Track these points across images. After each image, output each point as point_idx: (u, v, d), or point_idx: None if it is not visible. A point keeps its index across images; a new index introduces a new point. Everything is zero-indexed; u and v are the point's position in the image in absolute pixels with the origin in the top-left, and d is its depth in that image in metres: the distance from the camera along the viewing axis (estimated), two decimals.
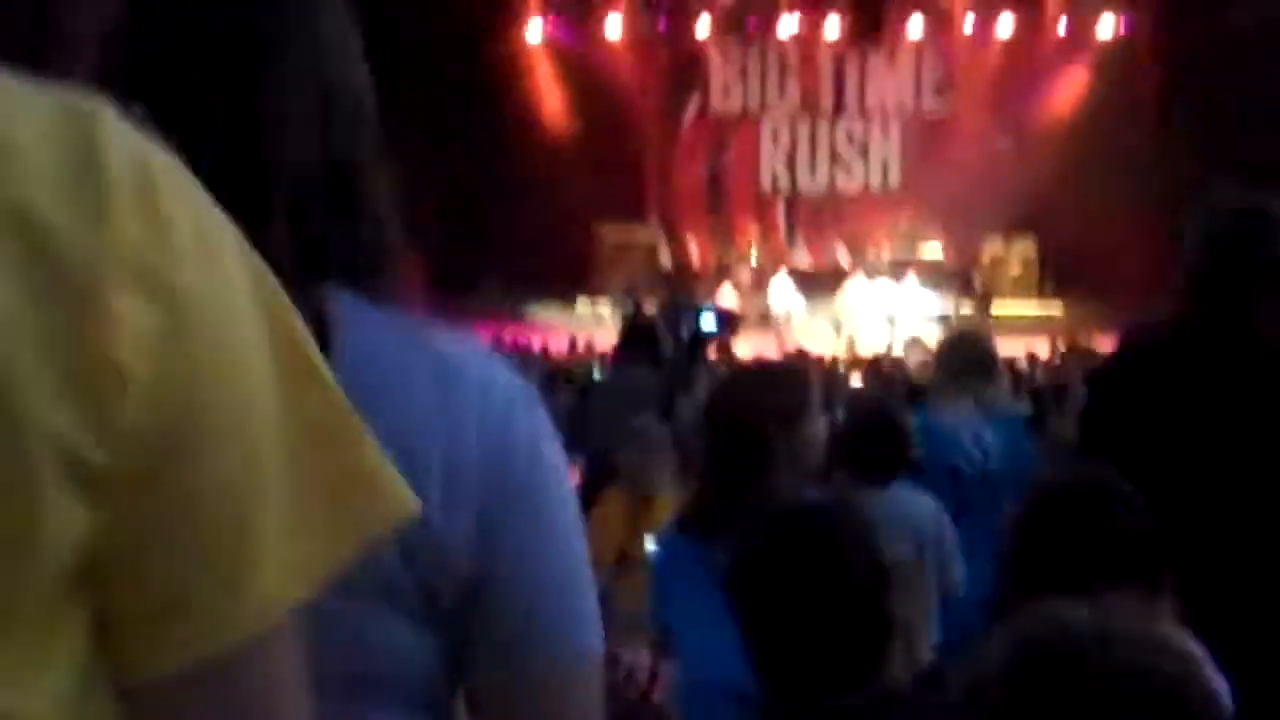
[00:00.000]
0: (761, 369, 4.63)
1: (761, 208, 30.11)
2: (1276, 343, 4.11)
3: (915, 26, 28.31)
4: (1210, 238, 4.24)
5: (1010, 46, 28.81)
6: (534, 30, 28.08)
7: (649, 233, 29.10)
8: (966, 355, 6.67)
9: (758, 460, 4.16)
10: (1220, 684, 1.71)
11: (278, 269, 1.41)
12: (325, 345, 1.49)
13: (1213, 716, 1.68)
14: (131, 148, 1.00)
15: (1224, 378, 4.10)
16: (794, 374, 4.91)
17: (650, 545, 6.43)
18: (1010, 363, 15.27)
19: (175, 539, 1.00)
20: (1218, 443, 4.02)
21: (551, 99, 28.61)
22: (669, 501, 6.37)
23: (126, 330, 0.95)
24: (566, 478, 1.70)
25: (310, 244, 1.54)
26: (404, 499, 1.15)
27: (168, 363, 0.97)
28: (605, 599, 2.19)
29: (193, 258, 0.99)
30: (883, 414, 5.75)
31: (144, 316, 0.96)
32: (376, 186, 1.64)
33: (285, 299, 1.09)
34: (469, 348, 1.67)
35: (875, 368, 17.20)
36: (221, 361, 1.01)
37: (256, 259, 1.08)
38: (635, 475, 7.12)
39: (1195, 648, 1.75)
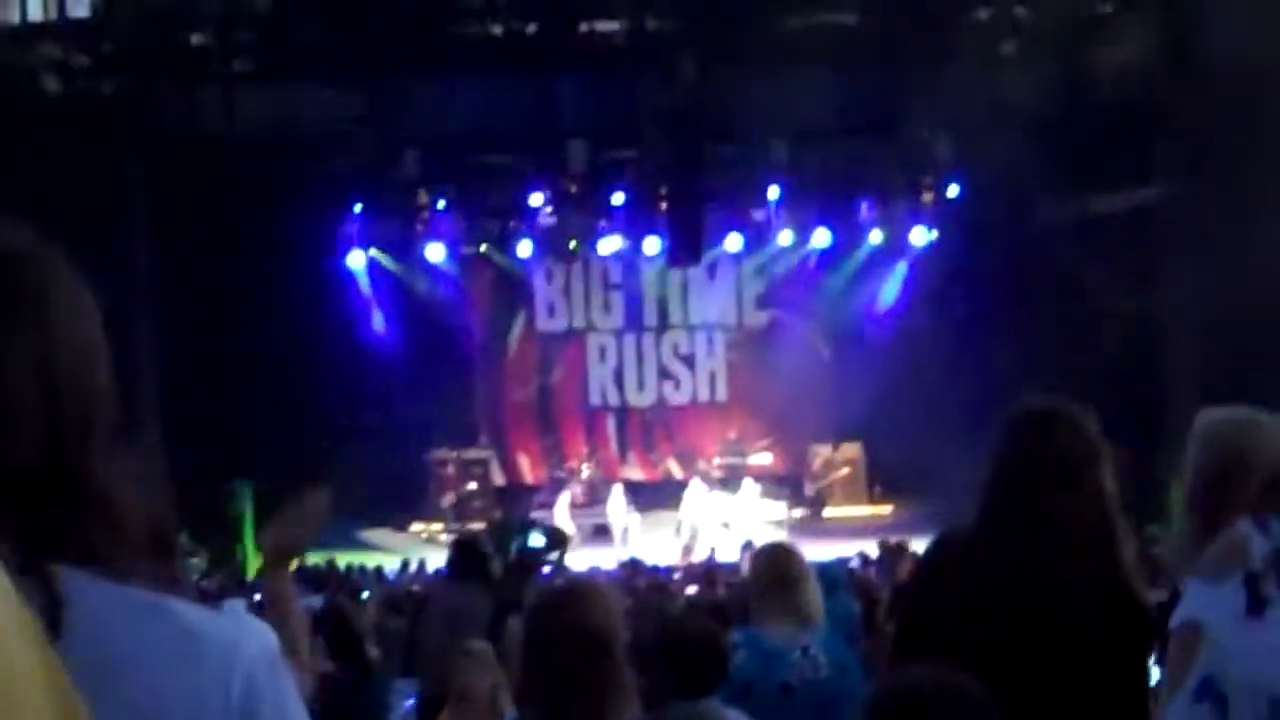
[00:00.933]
0: (570, 595, 4.52)
1: (592, 423, 30.29)
2: (1066, 535, 4.26)
3: (734, 242, 28.80)
4: (1005, 438, 4.42)
5: (828, 257, 29.39)
6: (355, 258, 28.19)
7: (480, 453, 29.09)
8: (779, 571, 6.71)
9: (587, 683, 4.10)
10: None
11: (3, 556, 1.45)
12: (56, 628, 1.50)
13: None
14: None
15: (1014, 571, 4.25)
16: (604, 597, 4.89)
17: None
18: (844, 563, 15.50)
19: None
20: (1010, 637, 4.14)
21: (377, 324, 28.65)
22: None
23: None
24: None
25: (39, 531, 1.55)
26: None
27: None
28: None
29: None
30: (702, 629, 5.73)
31: None
32: (108, 468, 1.64)
33: (70, 693, 1.09)
34: (211, 613, 1.68)
35: (709, 578, 17.24)
36: None
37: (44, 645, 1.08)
38: (468, 696, 7.11)
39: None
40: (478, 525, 17.10)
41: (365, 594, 17.19)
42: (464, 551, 10.83)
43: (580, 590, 4.44)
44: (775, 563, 6.78)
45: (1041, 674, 4.12)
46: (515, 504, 25.49)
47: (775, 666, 6.19)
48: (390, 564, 22.38)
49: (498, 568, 10.98)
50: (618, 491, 26.63)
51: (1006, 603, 4.21)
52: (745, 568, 14.12)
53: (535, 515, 22.94)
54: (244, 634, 1.66)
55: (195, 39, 27.19)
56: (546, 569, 12.60)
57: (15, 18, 25.96)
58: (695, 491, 26.20)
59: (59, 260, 1.64)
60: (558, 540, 13.50)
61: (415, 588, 17.57)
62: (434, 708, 8.08)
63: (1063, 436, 4.33)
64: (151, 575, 1.67)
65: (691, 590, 16.24)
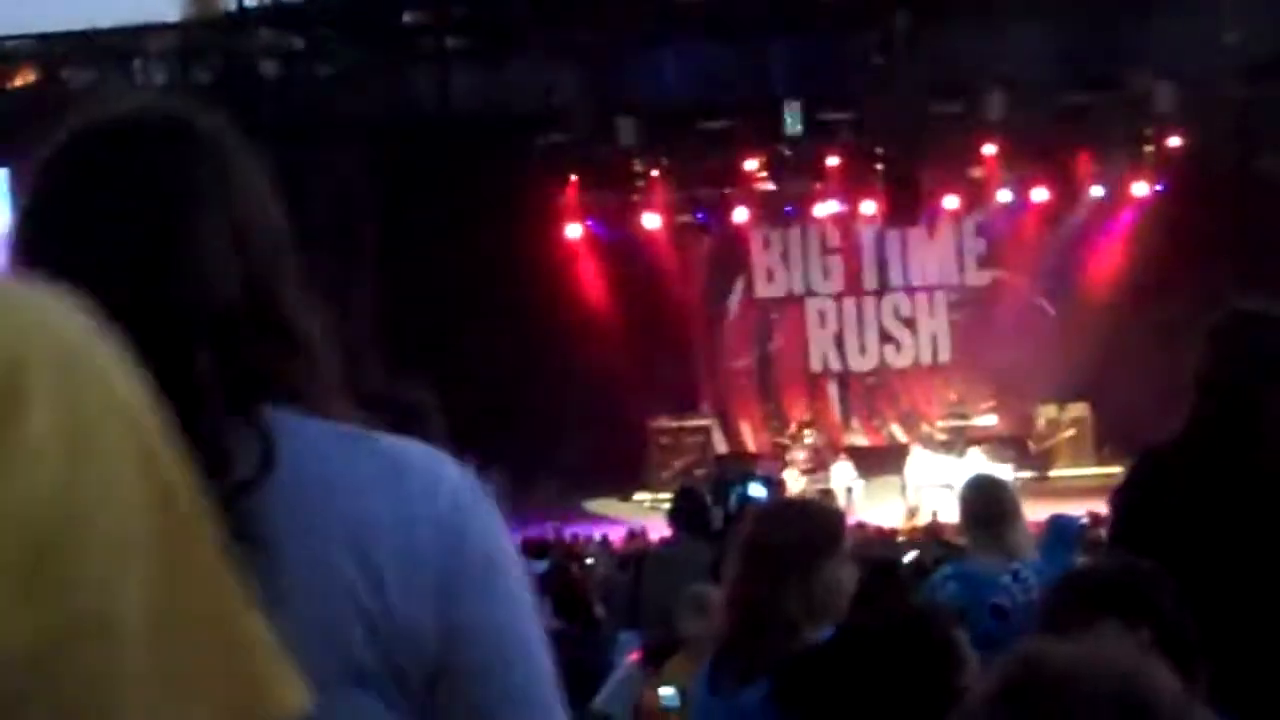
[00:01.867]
0: (791, 505, 4.61)
1: (813, 389, 30.20)
2: (1275, 431, 4.17)
3: (951, 200, 28.52)
4: (1214, 342, 4.34)
5: (1048, 213, 28.97)
6: (574, 230, 28.43)
7: (702, 421, 29.16)
8: (985, 504, 6.70)
9: (776, 596, 4.13)
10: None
11: (205, 402, 1.52)
12: (270, 460, 1.60)
13: None
14: (24, 341, 0.99)
15: (1228, 483, 4.16)
16: (826, 512, 4.92)
17: (664, 691, 6.46)
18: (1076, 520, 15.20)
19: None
20: (1224, 546, 4.06)
21: (597, 295, 28.84)
22: None
23: None
24: (517, 560, 1.80)
25: (245, 373, 1.64)
26: (289, 695, 1.10)
27: (30, 551, 0.96)
28: None
29: (47, 460, 0.98)
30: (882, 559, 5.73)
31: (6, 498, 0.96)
32: (301, 312, 1.74)
33: (188, 497, 1.08)
34: (413, 445, 1.77)
35: (931, 530, 17.12)
36: (58, 569, 0.98)
37: (164, 457, 1.06)
38: (698, 643, 7.13)
39: (1166, 681, 1.78)
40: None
41: (589, 561, 17.37)
42: (685, 502, 10.87)
43: (797, 502, 4.50)
44: (981, 496, 6.77)
45: (1252, 569, 4.04)
46: (738, 468, 25.42)
47: (985, 590, 6.15)
48: (615, 532, 22.55)
49: (718, 518, 11.01)
50: (842, 463, 26.49)
51: (1216, 501, 4.13)
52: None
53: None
54: (445, 462, 1.76)
55: (407, 18, 27.62)
56: None
57: (232, 3, 26.65)
58: (918, 456, 26.05)
59: (233, 128, 1.78)
60: (779, 489, 13.49)
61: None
62: (658, 656, 8.12)
63: (1270, 335, 4.24)
64: (349, 414, 1.76)
65: (914, 554, 16.13)
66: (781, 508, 4.56)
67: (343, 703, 1.59)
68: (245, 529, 1.41)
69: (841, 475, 25.99)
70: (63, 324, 1.04)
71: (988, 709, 1.80)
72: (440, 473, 1.73)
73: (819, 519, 4.54)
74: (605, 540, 21.19)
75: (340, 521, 1.65)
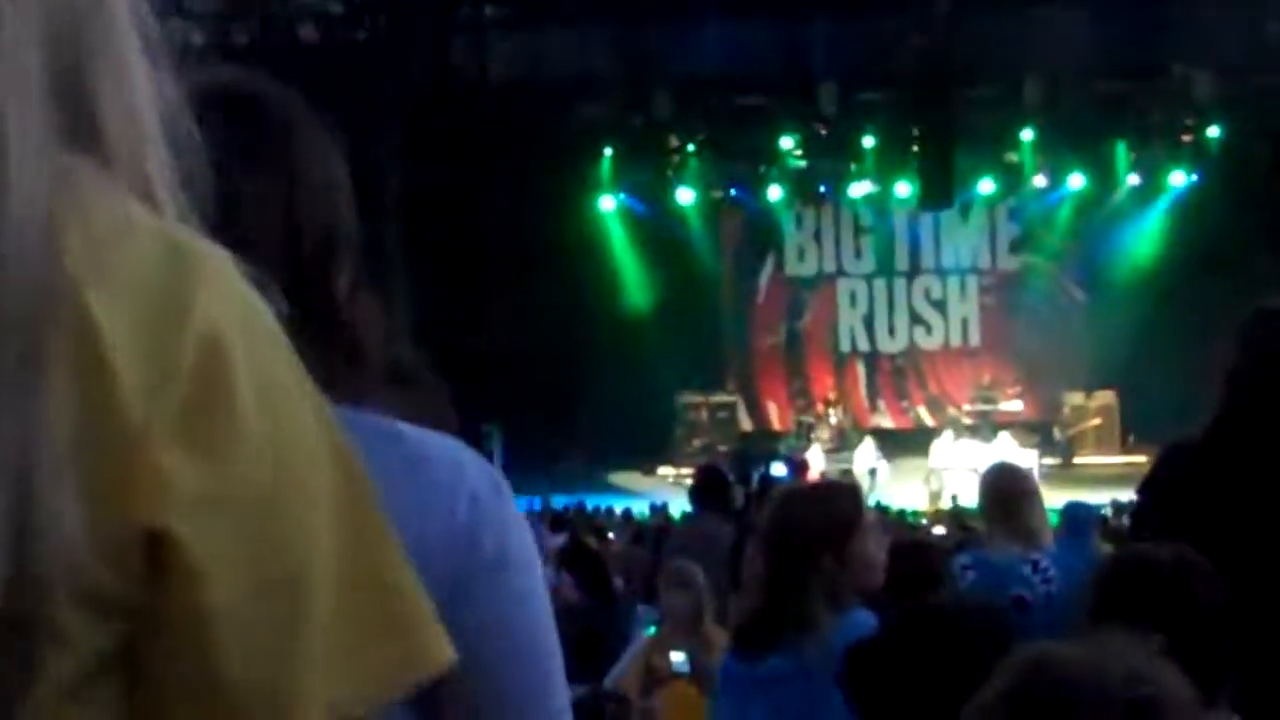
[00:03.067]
0: (813, 488, 4.68)
1: (841, 369, 30.18)
2: None
3: (986, 184, 28.44)
4: (1247, 341, 4.32)
5: (1082, 200, 28.88)
6: (607, 202, 28.43)
7: (728, 397, 29.17)
8: (1004, 490, 6.70)
9: (802, 576, 4.18)
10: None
11: None
12: None
13: None
14: (219, 305, 1.02)
15: (1254, 481, 4.15)
16: (845, 492, 4.95)
17: (676, 657, 6.49)
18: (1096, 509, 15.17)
19: (196, 683, 1.01)
20: (1248, 544, 4.04)
21: (626, 267, 28.86)
22: None
23: (169, 489, 0.98)
24: (533, 557, 1.79)
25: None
26: (442, 651, 1.16)
27: (211, 525, 1.00)
28: None
29: (254, 421, 1.03)
30: (914, 543, 5.74)
31: (190, 478, 0.99)
32: (352, 305, 1.73)
33: (355, 456, 1.13)
34: (438, 436, 1.77)
35: (957, 521, 17.11)
36: (272, 525, 1.03)
37: (327, 413, 1.12)
38: (679, 615, 7.17)
39: (1189, 690, 1.78)
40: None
41: (610, 535, 17.39)
42: (707, 479, 10.87)
43: (819, 487, 4.53)
44: (1000, 483, 6.78)
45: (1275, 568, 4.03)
46: (763, 445, 25.42)
47: (1006, 581, 6.15)
48: (638, 507, 22.58)
49: (740, 496, 11.01)
50: (866, 443, 26.49)
51: (1241, 500, 4.12)
52: None
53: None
54: (468, 457, 1.76)
55: None
56: None
57: None
58: (945, 440, 26.03)
59: (303, 105, 1.77)
60: (800, 469, 13.49)
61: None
62: None
63: None
64: (383, 403, 1.76)
65: (940, 530, 16.13)
66: (805, 491, 4.59)
67: None
68: None
69: (865, 456, 25.96)
70: (237, 280, 1.07)
71: (996, 709, 1.80)
72: (461, 468, 1.73)
73: (840, 500, 4.57)
74: (627, 514, 21.21)
75: None
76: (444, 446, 1.75)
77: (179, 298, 1.01)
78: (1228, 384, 4.33)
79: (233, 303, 1.05)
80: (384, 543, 1.14)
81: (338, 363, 1.69)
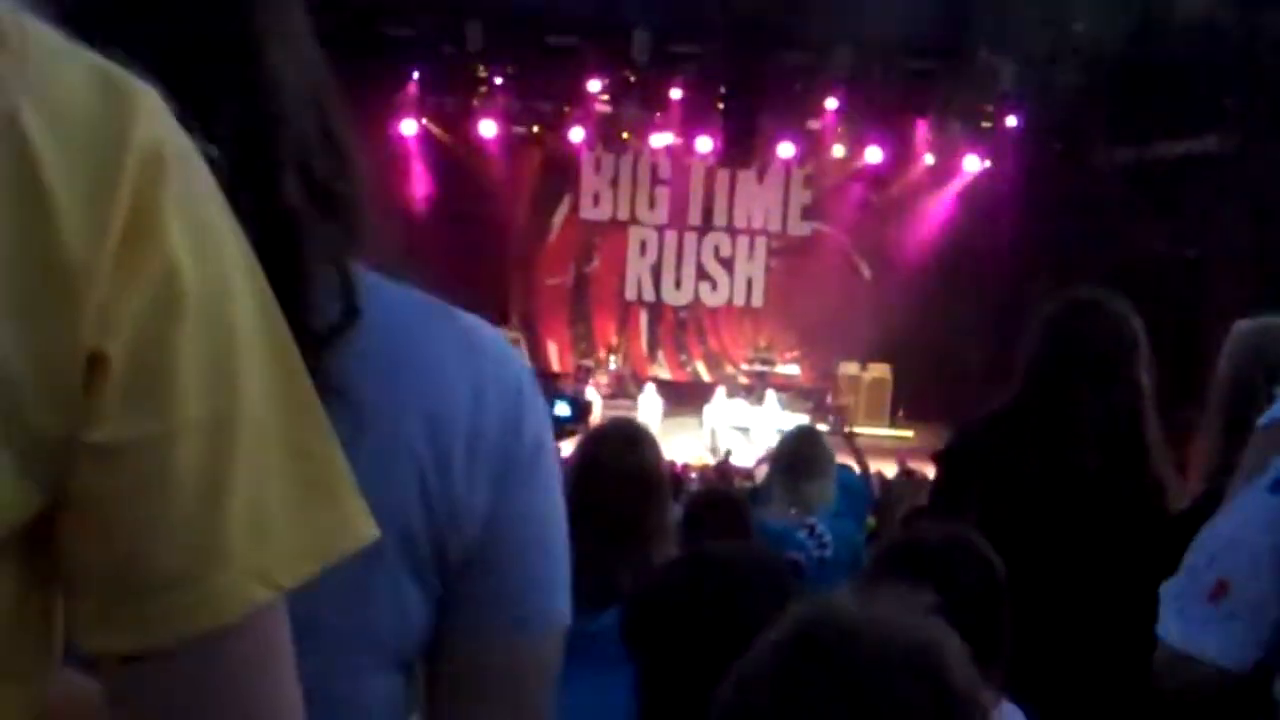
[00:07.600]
0: (636, 425, 4.59)
1: (624, 316, 30.30)
2: (1096, 426, 4.25)
3: (786, 149, 28.66)
4: (1045, 330, 4.40)
5: (877, 175, 29.26)
6: (409, 126, 28.11)
7: (510, 334, 29.06)
8: (794, 452, 6.75)
9: (640, 517, 4.11)
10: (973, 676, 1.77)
11: (296, 219, 1.44)
12: (352, 315, 1.52)
13: (967, 695, 1.74)
14: (154, 137, 1.01)
15: (1037, 473, 4.23)
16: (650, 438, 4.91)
17: None
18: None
19: (135, 518, 1.00)
20: (1025, 537, 4.12)
21: (422, 194, 28.58)
22: None
23: (111, 315, 0.97)
24: (555, 448, 1.77)
25: (325, 196, 1.56)
26: (367, 525, 1.14)
27: (153, 350, 0.99)
28: None
29: (191, 248, 1.01)
30: (722, 493, 5.79)
31: (132, 302, 0.98)
32: (349, 133, 1.69)
33: (281, 318, 1.10)
34: (478, 319, 1.73)
35: (722, 474, 17.28)
36: (209, 353, 1.02)
37: (259, 272, 1.09)
38: None
39: (955, 641, 1.80)
40: None
41: None
42: None
43: (630, 429, 4.46)
44: (797, 445, 6.82)
45: (1060, 563, 4.13)
46: (543, 384, 25.33)
47: (781, 545, 6.21)
48: None
49: None
50: (650, 390, 26.64)
51: (1030, 490, 4.21)
52: (759, 476, 14.13)
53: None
54: (511, 347, 1.74)
55: None
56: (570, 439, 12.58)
57: None
58: (719, 397, 26.27)
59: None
60: (583, 410, 13.49)
61: None
62: None
63: (1100, 327, 4.30)
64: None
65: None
66: (632, 426, 4.53)
67: (382, 575, 1.57)
68: (324, 383, 1.27)
69: (649, 404, 26.10)
70: (169, 118, 1.05)
71: (777, 654, 1.80)
72: (510, 356, 1.71)
73: (653, 441, 4.51)
74: None
75: (419, 395, 1.60)
76: (491, 330, 1.73)
77: (118, 134, 0.99)
78: (1025, 371, 4.40)
79: (169, 141, 1.03)
80: (312, 409, 1.11)
81: (355, 202, 1.65)
